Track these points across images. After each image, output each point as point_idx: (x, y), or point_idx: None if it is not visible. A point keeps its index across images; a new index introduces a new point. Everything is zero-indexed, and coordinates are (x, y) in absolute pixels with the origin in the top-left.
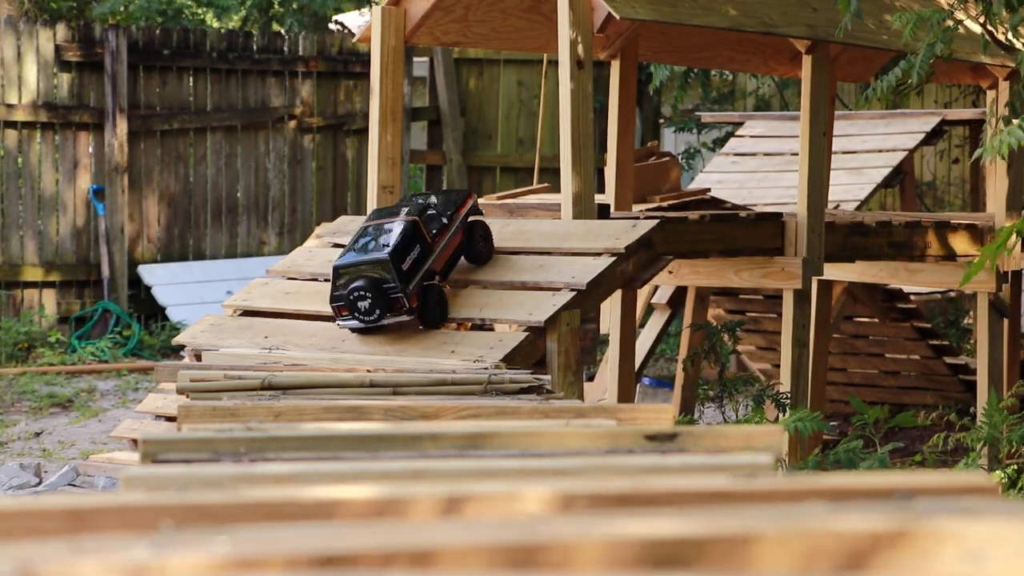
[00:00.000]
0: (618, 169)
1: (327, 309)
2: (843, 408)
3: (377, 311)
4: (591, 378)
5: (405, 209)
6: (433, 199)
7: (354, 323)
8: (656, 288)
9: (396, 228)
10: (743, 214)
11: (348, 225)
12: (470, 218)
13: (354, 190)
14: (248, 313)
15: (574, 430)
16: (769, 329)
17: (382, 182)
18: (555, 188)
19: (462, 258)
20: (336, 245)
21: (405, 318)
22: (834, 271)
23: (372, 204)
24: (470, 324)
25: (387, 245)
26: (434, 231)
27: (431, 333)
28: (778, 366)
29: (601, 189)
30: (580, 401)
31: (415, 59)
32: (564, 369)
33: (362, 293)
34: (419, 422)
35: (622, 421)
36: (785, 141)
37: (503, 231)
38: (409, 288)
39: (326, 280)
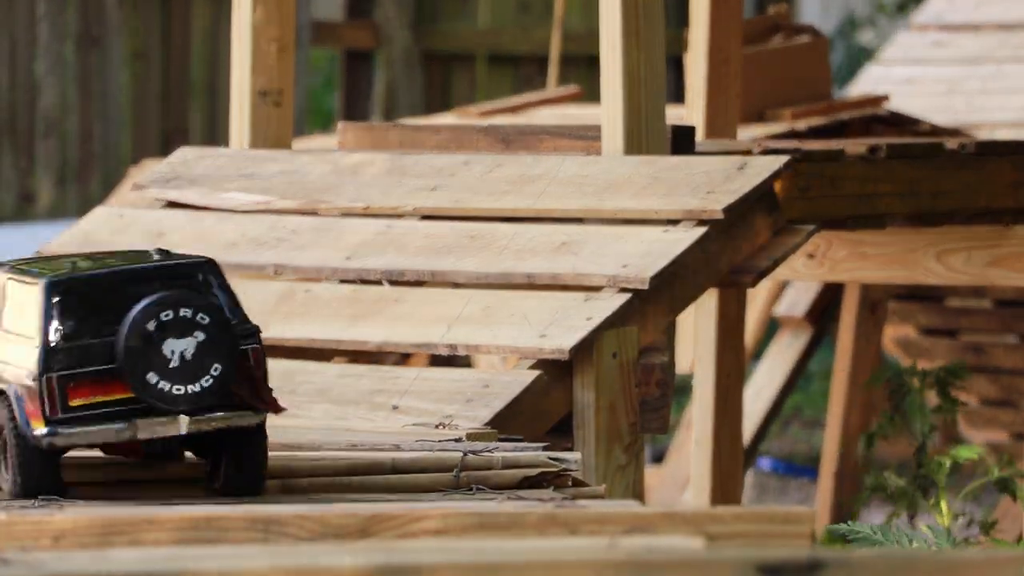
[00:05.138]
0: (712, 59)
1: None
2: None
3: (217, 365)
4: (660, 457)
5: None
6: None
7: (164, 387)
8: (784, 287)
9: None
10: (953, 144)
11: (194, 165)
12: None
13: (203, 98)
14: None
15: (625, 558)
16: (1006, 366)
17: (259, 84)
18: (589, 96)
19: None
20: (172, 204)
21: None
22: None
23: (238, 125)
24: (428, 355)
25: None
26: None
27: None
28: None
29: (680, 98)
30: (638, 502)
31: None
32: (607, 440)
33: (179, 316)
34: (327, 547)
35: (717, 539)
36: None
37: (493, 178)
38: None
39: None
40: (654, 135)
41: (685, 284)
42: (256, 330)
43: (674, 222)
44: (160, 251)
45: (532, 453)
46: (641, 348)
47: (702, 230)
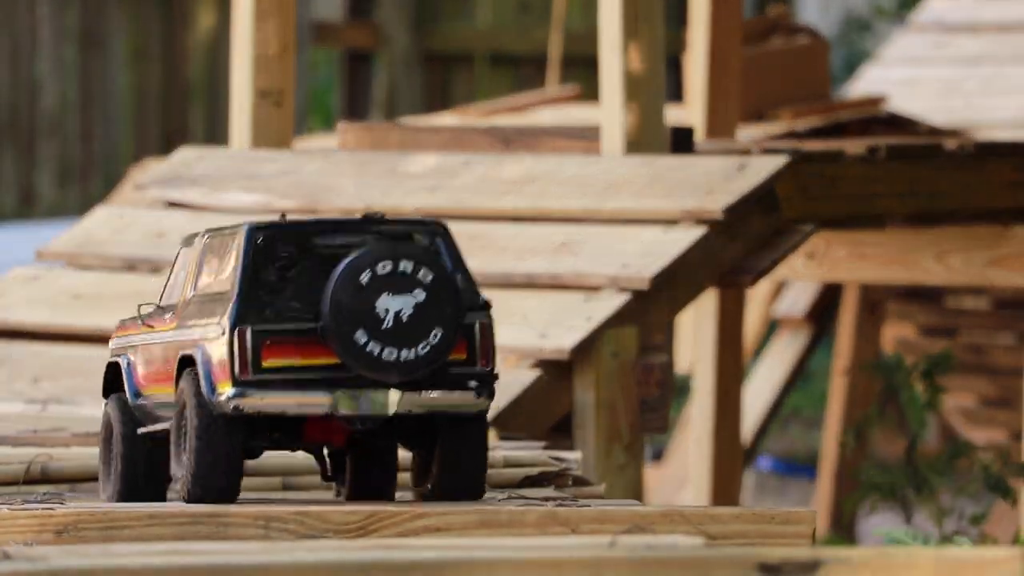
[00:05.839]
0: (712, 60)
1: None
2: None
3: (437, 331)
4: (658, 455)
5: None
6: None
7: (373, 349)
8: (781, 287)
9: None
10: (952, 145)
11: (195, 165)
12: None
13: (204, 98)
14: (1, 334)
15: (625, 555)
16: (1004, 366)
17: (259, 84)
18: (589, 96)
19: None
20: (173, 204)
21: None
22: None
23: (239, 126)
24: None
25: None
26: None
27: None
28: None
29: (679, 98)
30: (638, 501)
31: None
32: (607, 439)
33: (398, 270)
34: (327, 543)
35: (717, 539)
36: None
37: (493, 178)
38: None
39: (153, 268)
40: (654, 135)
41: (685, 284)
42: (487, 304)
43: (674, 222)
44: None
45: (533, 452)
46: (641, 348)
47: (702, 230)
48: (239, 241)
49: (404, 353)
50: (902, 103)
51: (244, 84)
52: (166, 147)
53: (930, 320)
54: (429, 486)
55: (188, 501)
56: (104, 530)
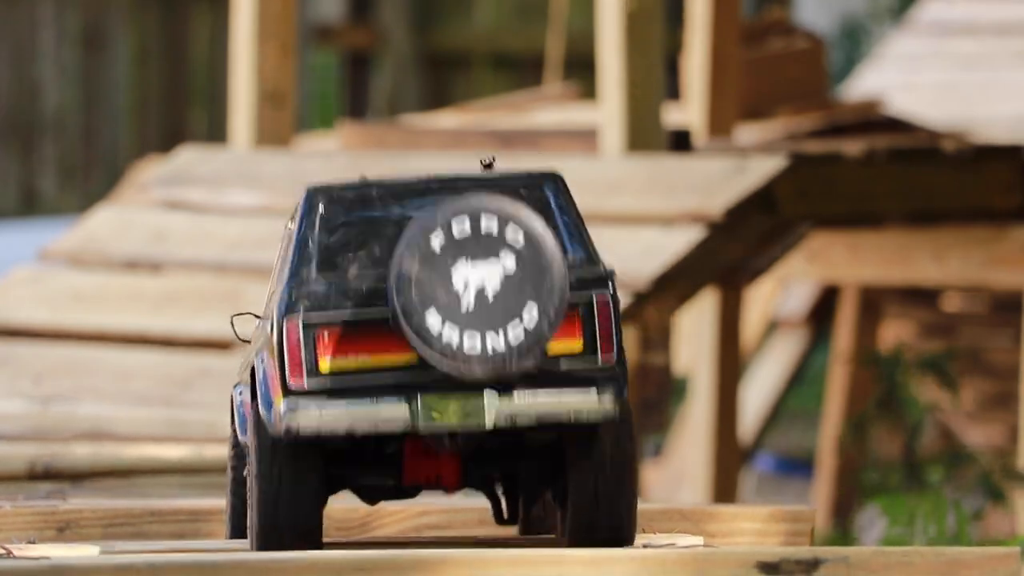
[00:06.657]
0: (710, 60)
1: (159, 321)
2: None
3: (532, 308)
4: (657, 451)
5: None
6: None
7: (450, 337)
8: (783, 287)
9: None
10: (950, 146)
11: (196, 165)
12: None
13: (206, 98)
14: (3, 333)
15: (624, 554)
16: (1001, 365)
17: (262, 84)
18: (589, 96)
19: None
20: (174, 204)
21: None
22: None
23: (240, 126)
24: None
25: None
26: None
27: None
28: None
29: (676, 97)
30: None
31: None
32: None
33: (480, 231)
34: (330, 545)
35: (716, 538)
36: None
37: None
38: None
39: (155, 268)
40: (653, 136)
41: (684, 284)
42: (608, 274)
43: (673, 222)
44: (487, 162)
45: None
46: (641, 348)
47: (701, 230)
48: (298, 211)
49: (490, 340)
50: (900, 104)
51: (245, 85)
52: (167, 147)
53: (928, 320)
54: (563, 531)
55: (258, 546)
56: (106, 527)
